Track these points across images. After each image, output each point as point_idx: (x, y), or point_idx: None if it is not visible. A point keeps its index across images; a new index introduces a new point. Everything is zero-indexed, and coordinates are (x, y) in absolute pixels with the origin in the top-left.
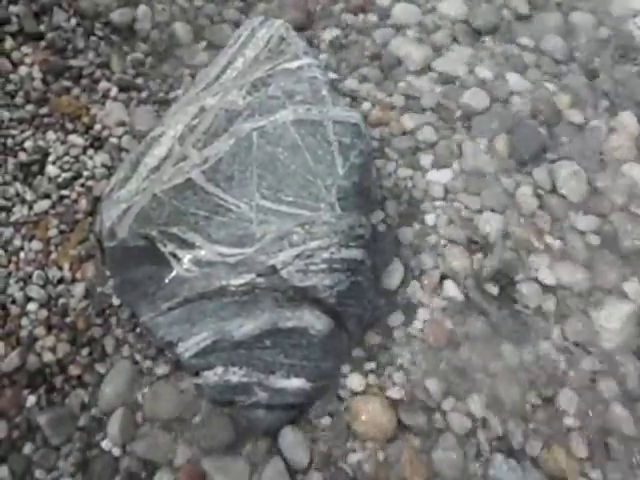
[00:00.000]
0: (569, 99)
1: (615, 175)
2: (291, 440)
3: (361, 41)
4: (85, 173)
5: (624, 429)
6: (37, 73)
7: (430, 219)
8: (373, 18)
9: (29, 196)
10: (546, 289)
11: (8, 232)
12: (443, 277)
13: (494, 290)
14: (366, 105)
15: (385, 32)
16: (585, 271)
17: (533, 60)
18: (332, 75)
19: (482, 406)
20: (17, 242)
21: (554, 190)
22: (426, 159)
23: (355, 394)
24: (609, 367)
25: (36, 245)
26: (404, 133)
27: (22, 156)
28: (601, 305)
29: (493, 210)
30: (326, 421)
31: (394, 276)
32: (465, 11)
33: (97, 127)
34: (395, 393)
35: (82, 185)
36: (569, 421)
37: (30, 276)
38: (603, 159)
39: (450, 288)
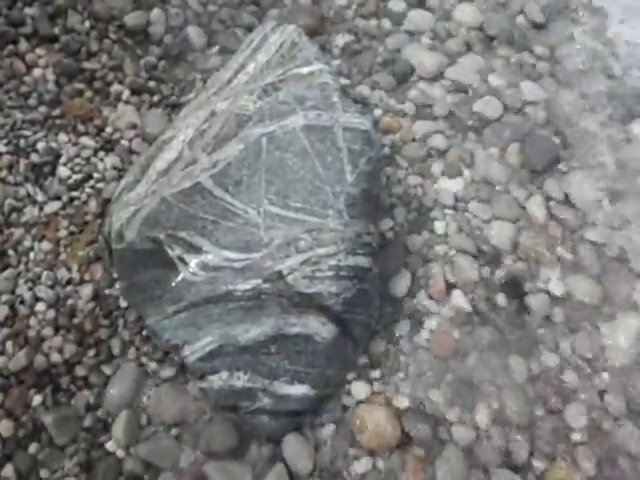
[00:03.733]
0: (584, 108)
1: (630, 186)
2: (294, 447)
3: (374, 47)
4: (95, 175)
5: (633, 447)
6: (50, 75)
7: (439, 228)
8: (386, 24)
9: (40, 197)
10: (556, 301)
11: (18, 232)
12: (451, 286)
13: (503, 301)
14: (377, 112)
15: (398, 38)
16: (596, 284)
17: (547, 69)
18: (343, 81)
19: (487, 418)
20: (27, 243)
21: (567, 201)
22: (436, 167)
23: (360, 402)
24: (619, 383)
25: (46, 246)
26: (415, 140)
27: (34, 157)
28: (612, 319)
29: (504, 220)
30: (330, 429)
31: (401, 284)
32: (480, 19)
33: (108, 130)
34: (400, 402)
35: (92, 187)
36: (576, 437)
37: (39, 277)
38: (618, 169)
39: (458, 298)
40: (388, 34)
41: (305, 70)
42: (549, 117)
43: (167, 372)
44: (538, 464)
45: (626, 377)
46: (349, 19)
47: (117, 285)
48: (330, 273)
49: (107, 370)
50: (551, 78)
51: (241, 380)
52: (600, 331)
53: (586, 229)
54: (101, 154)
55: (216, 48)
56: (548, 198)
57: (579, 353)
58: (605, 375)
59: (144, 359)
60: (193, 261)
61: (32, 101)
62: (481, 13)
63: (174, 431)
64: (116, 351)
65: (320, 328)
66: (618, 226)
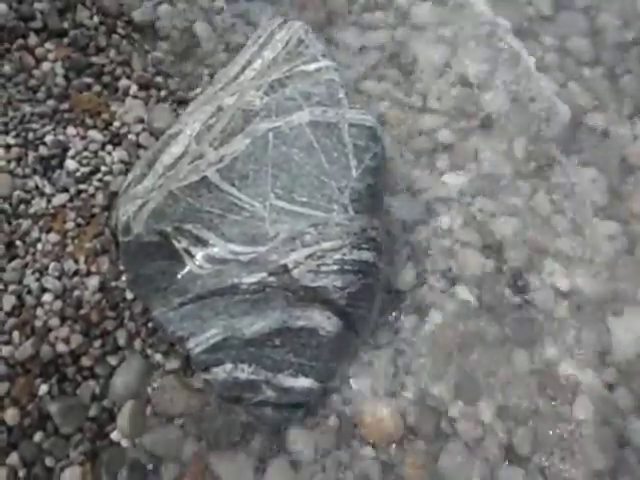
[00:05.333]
0: (592, 102)
1: (637, 181)
2: (297, 439)
3: (380, 40)
4: (103, 168)
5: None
6: (59, 69)
7: (444, 222)
8: (392, 17)
9: (48, 189)
10: (561, 295)
11: (26, 224)
12: (456, 280)
13: (508, 294)
14: (383, 105)
15: (404, 32)
16: (602, 278)
17: (556, 62)
18: (349, 74)
19: (491, 412)
20: (35, 234)
21: (572, 195)
22: (442, 161)
23: (363, 396)
24: (625, 377)
25: (53, 237)
26: (421, 134)
27: (42, 150)
28: (618, 313)
29: (509, 214)
30: (332, 422)
31: (406, 278)
32: (487, 11)
33: (116, 124)
34: (403, 396)
35: (100, 180)
36: (583, 431)
37: (46, 268)
38: (625, 165)
39: (463, 291)
40: (394, 27)
41: (311, 67)
42: (556, 110)
43: (172, 364)
44: (542, 458)
45: (633, 370)
46: (355, 13)
47: (123, 277)
48: (335, 267)
49: (113, 361)
50: (559, 71)
51: (245, 372)
52: (606, 325)
53: (593, 223)
54: (109, 148)
55: (223, 44)
56: (554, 192)
57: (585, 346)
58: (611, 368)
59: (149, 351)
60: (199, 254)
61: (41, 94)
62: (489, 5)
63: (178, 422)
64: (122, 342)
65: (325, 322)
66: (626, 220)
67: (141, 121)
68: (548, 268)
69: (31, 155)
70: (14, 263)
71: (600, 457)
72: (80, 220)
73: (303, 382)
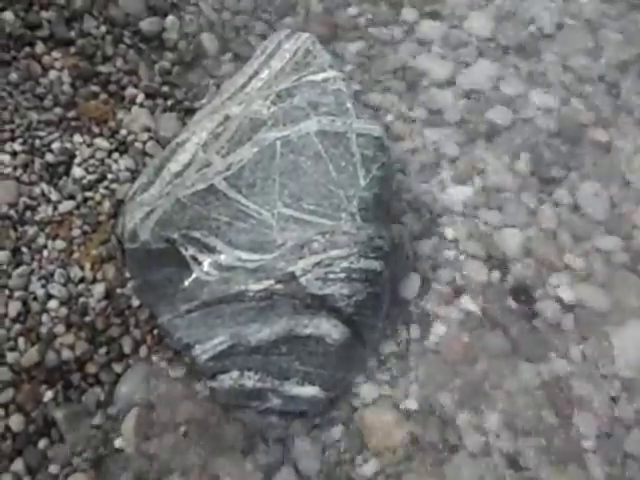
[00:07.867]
0: (594, 118)
1: (638, 195)
2: (303, 448)
3: (386, 54)
4: (109, 176)
5: None
6: (66, 77)
7: (449, 233)
8: (398, 32)
9: (54, 196)
10: (566, 308)
11: (32, 230)
12: (461, 291)
13: (513, 306)
14: (389, 118)
15: (410, 46)
16: (606, 291)
17: (558, 78)
18: (356, 87)
19: (497, 423)
20: (41, 240)
21: (576, 209)
22: (447, 174)
23: (368, 405)
24: (629, 389)
25: (59, 244)
26: (425, 147)
27: (49, 157)
28: (622, 327)
29: (513, 227)
30: (338, 430)
31: (411, 288)
32: (491, 27)
33: (123, 132)
34: (409, 405)
35: (106, 188)
36: (586, 443)
37: (52, 274)
38: (627, 179)
39: (467, 302)
40: (400, 42)
41: (319, 77)
42: (559, 125)
43: (177, 371)
44: (547, 470)
45: (636, 383)
46: (361, 27)
47: (129, 284)
48: (342, 275)
49: (118, 368)
50: (561, 87)
51: (251, 380)
52: (610, 338)
53: (596, 237)
54: (115, 156)
55: (229, 55)
56: (558, 206)
57: (589, 359)
58: (615, 381)
59: (155, 358)
60: (206, 261)
61: (47, 102)
62: (493, 22)
63: (183, 430)
64: (127, 349)
65: (331, 330)
66: (629, 234)
67: (148, 129)
68: (552, 281)
69: (37, 162)
70: (20, 270)
71: (603, 469)
72: (86, 227)
73: (309, 390)
